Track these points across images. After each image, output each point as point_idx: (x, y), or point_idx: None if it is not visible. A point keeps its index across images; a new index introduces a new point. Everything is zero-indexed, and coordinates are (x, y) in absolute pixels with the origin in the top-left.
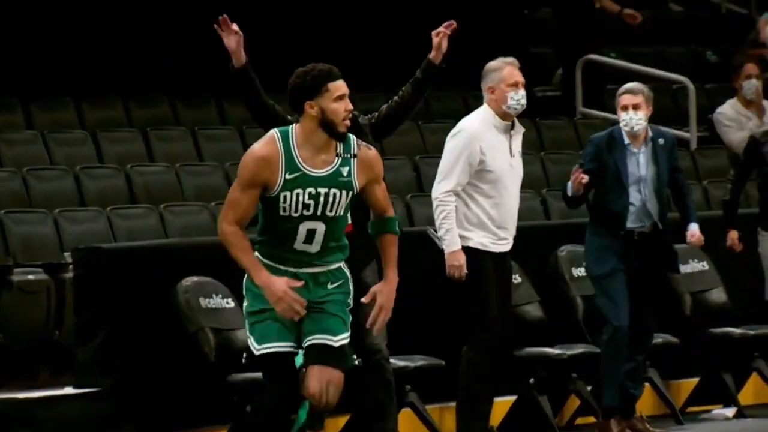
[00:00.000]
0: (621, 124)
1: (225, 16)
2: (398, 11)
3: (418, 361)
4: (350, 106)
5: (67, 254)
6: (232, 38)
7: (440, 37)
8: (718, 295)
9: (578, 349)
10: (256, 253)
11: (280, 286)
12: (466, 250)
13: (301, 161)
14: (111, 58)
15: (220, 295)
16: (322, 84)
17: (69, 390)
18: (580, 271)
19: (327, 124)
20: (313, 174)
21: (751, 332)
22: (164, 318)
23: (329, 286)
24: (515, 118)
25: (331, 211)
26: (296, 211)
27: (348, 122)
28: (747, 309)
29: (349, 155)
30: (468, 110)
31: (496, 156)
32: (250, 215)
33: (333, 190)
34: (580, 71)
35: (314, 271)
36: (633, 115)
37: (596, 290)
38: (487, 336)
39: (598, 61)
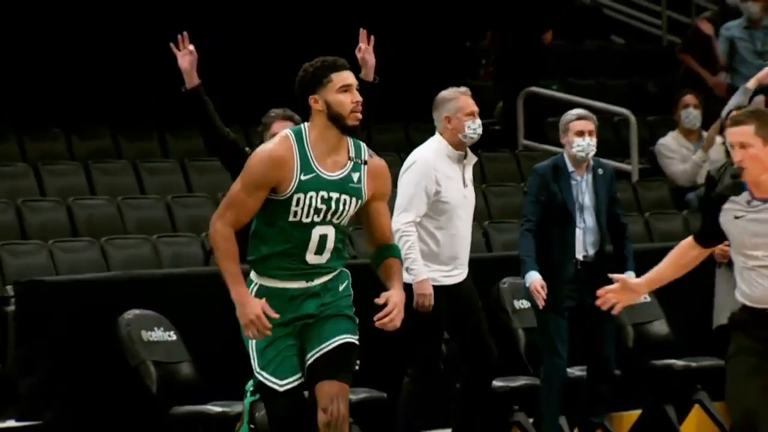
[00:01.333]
0: (575, 150)
1: (185, 33)
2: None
3: (360, 394)
4: (358, 98)
5: (9, 287)
6: (186, 58)
7: (362, 52)
8: (660, 326)
9: (520, 381)
10: (256, 278)
11: (254, 309)
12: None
13: (315, 162)
14: (52, 91)
15: (162, 328)
16: (325, 75)
17: (12, 423)
18: (522, 303)
19: (335, 119)
20: (326, 176)
21: (694, 364)
22: (106, 351)
23: (340, 288)
24: (468, 148)
25: (338, 218)
26: (307, 216)
27: (359, 115)
28: (689, 341)
29: (360, 161)
30: (410, 142)
31: (450, 186)
32: (248, 219)
33: (344, 197)
34: (521, 103)
35: (325, 280)
36: (589, 141)
37: (538, 323)
38: (428, 370)
39: (540, 93)
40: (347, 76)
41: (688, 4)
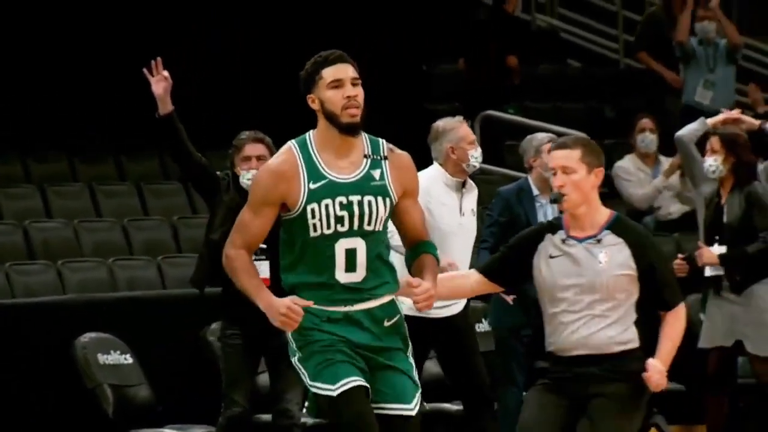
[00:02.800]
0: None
1: (159, 58)
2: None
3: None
4: (351, 92)
5: None
6: (161, 84)
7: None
8: None
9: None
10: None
11: (281, 305)
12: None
13: (324, 167)
14: (8, 114)
15: (119, 351)
16: (317, 72)
17: None
18: (481, 327)
19: (329, 118)
20: (340, 180)
21: None
22: (63, 374)
23: (386, 324)
24: (468, 176)
25: (369, 224)
26: (329, 227)
27: (354, 111)
28: None
29: (378, 157)
30: None
31: (443, 214)
32: (259, 241)
33: (367, 198)
34: (478, 127)
35: (368, 307)
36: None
37: (497, 347)
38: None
39: (497, 117)
40: (337, 71)
41: None
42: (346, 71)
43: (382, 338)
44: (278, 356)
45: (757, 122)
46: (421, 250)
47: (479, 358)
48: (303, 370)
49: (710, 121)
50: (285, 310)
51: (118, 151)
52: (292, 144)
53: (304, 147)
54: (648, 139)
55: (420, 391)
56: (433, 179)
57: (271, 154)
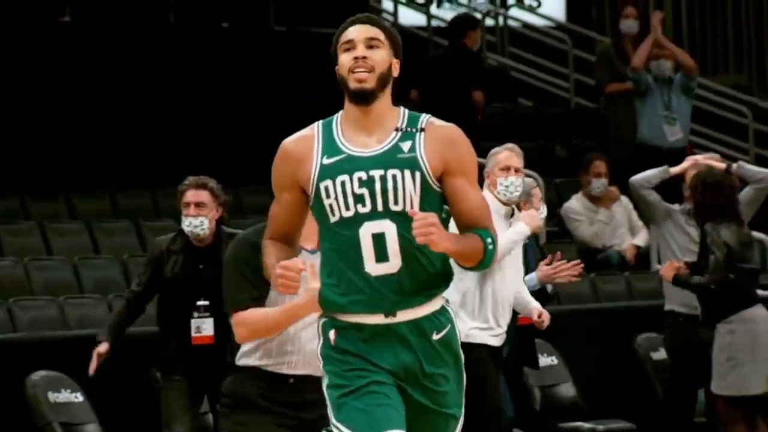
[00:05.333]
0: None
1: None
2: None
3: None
4: (361, 53)
5: None
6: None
7: None
8: (567, 389)
9: None
10: (326, 319)
11: (276, 270)
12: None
13: (343, 141)
14: None
15: (69, 390)
16: (336, 39)
17: None
18: None
19: (343, 86)
20: (360, 154)
21: (601, 427)
22: (14, 412)
23: (434, 337)
24: (515, 205)
25: (396, 203)
26: (348, 208)
27: (361, 75)
28: (596, 403)
29: (414, 129)
30: None
31: None
32: (289, 228)
33: (392, 171)
34: None
35: (414, 318)
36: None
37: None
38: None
39: None
40: (350, 32)
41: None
42: (360, 31)
43: (428, 358)
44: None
45: (722, 165)
46: (471, 232)
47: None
48: (329, 403)
49: (673, 170)
50: (279, 271)
51: (68, 189)
52: (317, 122)
53: (328, 124)
54: (602, 183)
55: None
56: None
57: (216, 199)
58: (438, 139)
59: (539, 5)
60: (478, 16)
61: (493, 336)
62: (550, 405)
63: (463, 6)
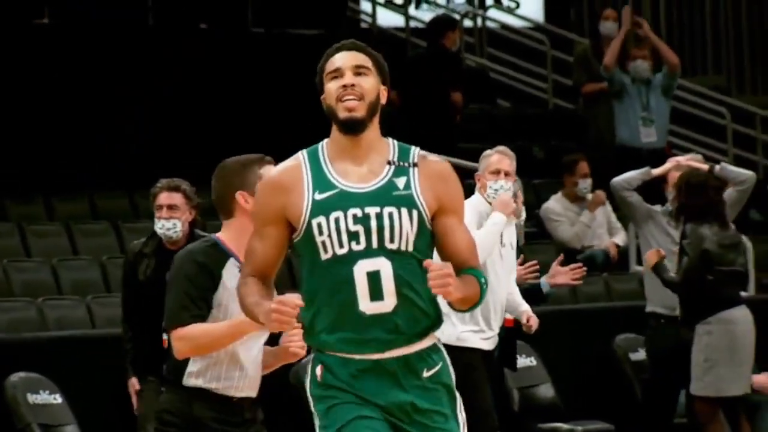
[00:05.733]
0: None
1: None
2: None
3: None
4: (349, 80)
5: None
6: None
7: None
8: (546, 390)
9: None
10: (314, 355)
11: (268, 306)
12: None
13: (334, 175)
14: None
15: (48, 391)
16: (322, 67)
17: None
18: None
19: (330, 116)
20: (354, 190)
21: (580, 428)
22: None
23: (425, 375)
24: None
25: (392, 241)
26: (341, 246)
27: (351, 103)
28: (574, 404)
29: (406, 164)
30: None
31: None
32: (269, 268)
33: (388, 209)
34: None
35: (404, 353)
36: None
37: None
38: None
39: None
40: (337, 59)
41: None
42: (347, 58)
43: (420, 395)
44: None
45: (705, 166)
46: (464, 272)
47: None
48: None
49: (655, 171)
50: (275, 306)
51: (47, 191)
52: (301, 152)
53: (314, 155)
54: (588, 184)
55: None
56: (473, 207)
57: (189, 201)
58: (431, 176)
59: (517, 6)
60: (457, 17)
61: (485, 339)
62: (529, 406)
63: (442, 7)
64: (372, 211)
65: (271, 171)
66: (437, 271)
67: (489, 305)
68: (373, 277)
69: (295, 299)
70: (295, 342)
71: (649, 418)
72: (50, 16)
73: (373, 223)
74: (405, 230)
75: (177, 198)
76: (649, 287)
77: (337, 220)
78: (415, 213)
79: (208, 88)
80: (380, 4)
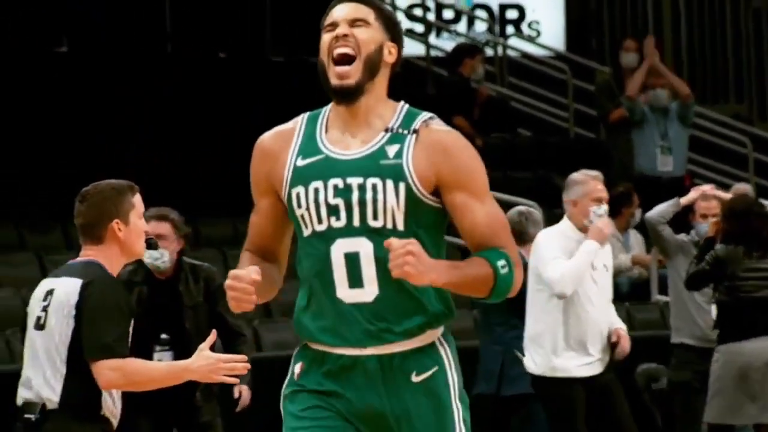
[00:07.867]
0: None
1: None
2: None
3: None
4: (341, 31)
5: None
6: None
7: None
8: None
9: None
10: (297, 348)
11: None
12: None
13: (324, 141)
14: None
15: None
16: (322, 24)
17: None
18: None
19: (322, 77)
20: (340, 157)
21: None
22: None
23: (414, 379)
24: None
25: (375, 218)
26: (320, 221)
27: (342, 69)
28: None
29: (405, 131)
30: (238, 236)
31: None
32: (268, 239)
33: (372, 180)
34: None
35: (389, 352)
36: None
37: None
38: None
39: None
40: (334, 12)
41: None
42: (345, 10)
43: (401, 403)
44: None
45: (728, 196)
46: (477, 255)
47: (629, 420)
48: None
49: (684, 200)
50: (228, 282)
51: (20, 221)
52: (302, 115)
53: (313, 119)
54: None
55: None
56: (560, 233)
57: (177, 231)
58: (429, 146)
59: (538, 35)
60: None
61: (581, 366)
62: None
63: (462, 36)
64: (354, 182)
65: (139, 200)
66: (396, 249)
67: (583, 328)
68: (351, 260)
69: (252, 273)
70: (223, 372)
71: None
72: (69, 45)
73: (355, 196)
74: (390, 206)
75: (165, 228)
76: (676, 318)
77: (316, 191)
78: (402, 186)
79: (227, 116)
80: None
